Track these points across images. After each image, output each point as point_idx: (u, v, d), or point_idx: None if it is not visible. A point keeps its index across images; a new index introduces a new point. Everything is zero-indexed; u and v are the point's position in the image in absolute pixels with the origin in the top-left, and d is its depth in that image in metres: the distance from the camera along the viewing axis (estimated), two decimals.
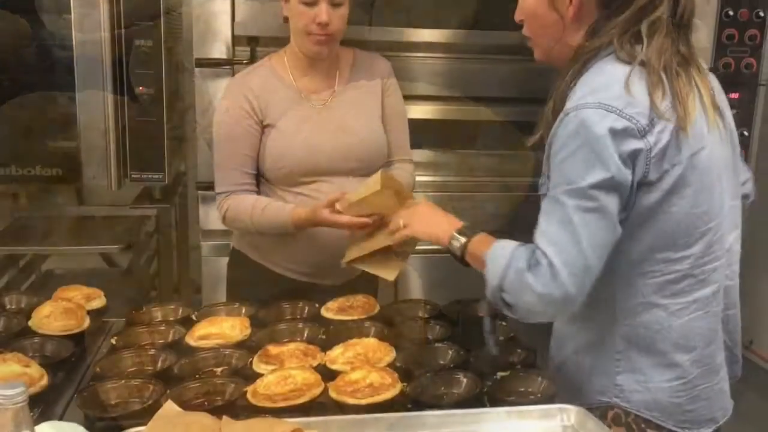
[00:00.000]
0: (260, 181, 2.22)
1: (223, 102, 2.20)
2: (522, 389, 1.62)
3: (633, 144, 1.40)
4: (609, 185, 1.40)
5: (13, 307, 2.00)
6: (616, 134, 1.39)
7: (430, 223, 1.71)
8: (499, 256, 1.47)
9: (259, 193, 2.20)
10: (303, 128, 2.14)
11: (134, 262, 3.54)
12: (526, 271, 1.41)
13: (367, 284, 2.22)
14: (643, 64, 1.45)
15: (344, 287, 2.18)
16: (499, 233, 1.56)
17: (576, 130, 1.41)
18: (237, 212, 2.14)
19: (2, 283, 3.47)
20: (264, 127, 2.16)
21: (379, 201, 1.88)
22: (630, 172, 1.41)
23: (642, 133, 1.41)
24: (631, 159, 1.41)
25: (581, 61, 1.51)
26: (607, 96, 1.41)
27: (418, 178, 3.14)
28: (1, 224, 3.64)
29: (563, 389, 1.60)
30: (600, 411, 1.55)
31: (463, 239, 1.59)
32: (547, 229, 1.43)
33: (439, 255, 3.34)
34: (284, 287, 2.19)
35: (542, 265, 1.40)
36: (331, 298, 2.04)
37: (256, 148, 2.16)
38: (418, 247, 3.33)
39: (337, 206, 1.95)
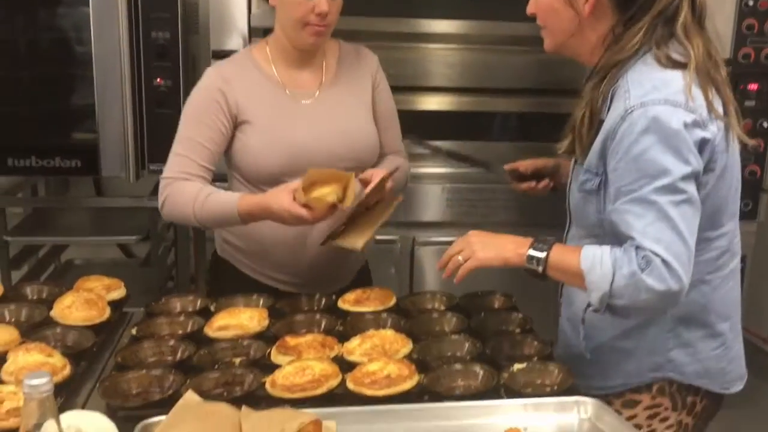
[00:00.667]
0: (234, 182, 2.08)
1: (197, 88, 2.02)
2: (538, 381, 1.62)
3: (701, 134, 1.50)
4: (692, 176, 1.49)
5: (35, 297, 2.03)
6: (687, 127, 1.48)
7: (493, 246, 1.64)
8: (599, 264, 1.51)
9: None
10: (288, 126, 1.99)
11: (152, 253, 3.57)
12: (640, 273, 1.46)
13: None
14: (685, 65, 1.53)
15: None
16: (518, 225, 1.58)
17: (647, 126, 1.47)
18: (177, 200, 1.94)
19: (22, 273, 3.53)
20: (239, 124, 1.99)
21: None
22: (701, 162, 1.51)
23: (705, 125, 1.51)
24: (699, 149, 1.50)
25: (616, 63, 1.57)
26: (670, 92, 1.49)
27: (435, 170, 3.16)
28: (20, 215, 3.70)
29: (594, 374, 1.72)
30: (644, 385, 1.70)
31: (543, 254, 1.58)
32: (646, 229, 1.47)
33: None
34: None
35: (655, 265, 1.45)
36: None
37: (218, 144, 1.98)
38: (433, 239, 3.40)
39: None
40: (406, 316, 1.92)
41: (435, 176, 3.24)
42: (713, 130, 1.52)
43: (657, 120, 1.47)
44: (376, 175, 1.93)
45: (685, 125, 1.47)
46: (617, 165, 1.52)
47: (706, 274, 1.63)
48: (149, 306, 1.97)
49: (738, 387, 1.74)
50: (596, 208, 1.63)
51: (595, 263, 1.51)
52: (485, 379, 1.60)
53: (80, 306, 1.84)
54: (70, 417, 1.23)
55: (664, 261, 1.44)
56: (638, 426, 1.69)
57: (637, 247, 1.47)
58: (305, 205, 1.78)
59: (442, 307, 2.00)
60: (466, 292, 2.05)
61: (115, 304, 1.96)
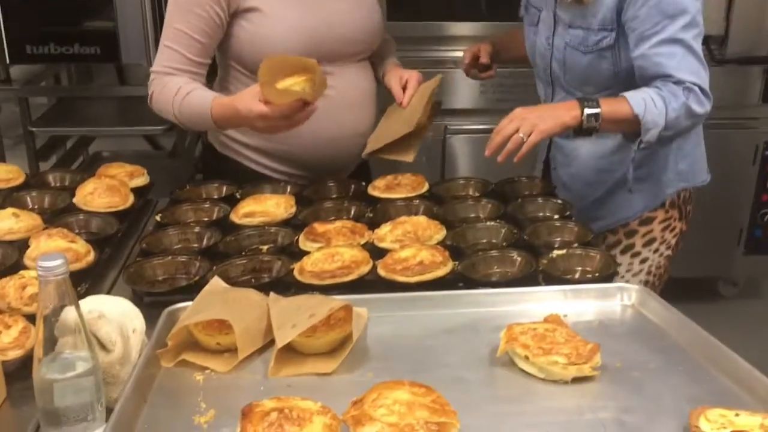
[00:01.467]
0: (235, 75, 1.91)
1: None
2: (579, 268, 1.55)
3: None
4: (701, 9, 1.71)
5: (58, 184, 1.98)
6: None
7: (549, 116, 1.70)
8: (652, 105, 1.67)
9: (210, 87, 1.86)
10: (299, 12, 1.83)
11: (178, 144, 3.52)
12: (687, 102, 1.68)
13: (363, 178, 2.04)
14: None
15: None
16: None
17: None
18: (160, 98, 1.81)
19: (50, 165, 3.51)
20: (241, 11, 1.81)
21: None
22: None
23: None
24: None
25: None
26: None
27: None
28: (45, 106, 3.64)
29: (613, 212, 1.95)
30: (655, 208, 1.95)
31: (598, 110, 1.69)
32: (680, 64, 1.68)
33: (485, 135, 3.29)
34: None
35: (695, 92, 1.68)
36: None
37: (210, 37, 1.81)
38: (466, 126, 3.27)
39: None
40: (439, 202, 1.84)
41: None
42: None
43: None
44: (411, 79, 1.94)
45: None
46: (638, 12, 1.69)
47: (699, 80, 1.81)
48: (174, 193, 1.91)
49: (708, 178, 2.03)
50: (611, 62, 1.79)
51: (648, 105, 1.67)
52: (523, 265, 1.53)
53: (102, 192, 1.78)
54: (92, 302, 1.19)
55: (701, 88, 1.68)
56: (653, 239, 1.97)
57: (677, 81, 1.68)
58: (267, 102, 1.61)
59: (477, 194, 1.92)
60: (501, 178, 1.97)
61: (138, 192, 1.90)
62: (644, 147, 1.76)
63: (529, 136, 1.66)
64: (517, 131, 1.66)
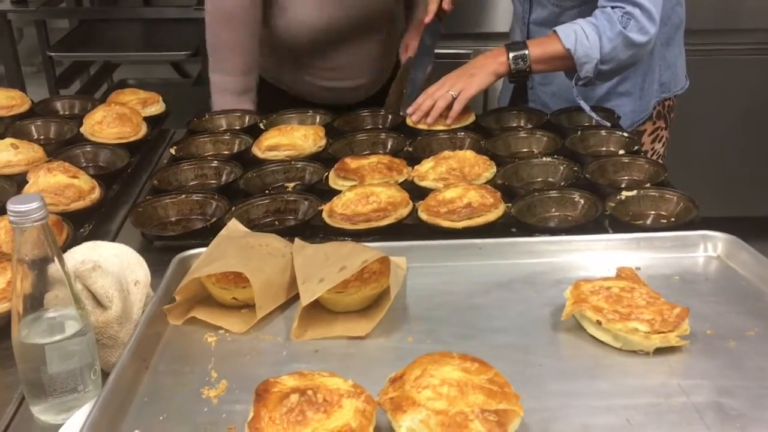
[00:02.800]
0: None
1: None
2: (652, 212, 1.33)
3: None
4: None
5: (66, 112, 1.81)
6: None
7: (476, 70, 1.64)
8: (583, 37, 1.56)
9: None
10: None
11: (203, 71, 3.32)
12: (625, 31, 1.54)
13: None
14: None
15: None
16: None
17: None
18: None
19: (72, 92, 3.34)
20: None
21: None
22: None
23: None
24: None
25: None
26: None
27: None
28: (66, 29, 3.46)
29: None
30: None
31: (524, 50, 1.60)
32: None
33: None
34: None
35: (635, 17, 1.53)
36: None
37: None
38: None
39: None
40: (487, 135, 1.63)
41: None
42: None
43: None
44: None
45: None
46: None
47: None
48: (191, 122, 1.73)
49: (687, 85, 1.94)
50: (570, 16, 1.66)
51: (580, 38, 1.56)
52: (586, 208, 1.32)
53: (112, 121, 1.61)
54: (86, 249, 1.02)
55: (643, 9, 1.53)
56: (645, 152, 1.82)
57: (615, 7, 1.54)
58: None
59: (530, 125, 1.70)
60: (558, 109, 1.75)
61: (153, 121, 1.72)
62: (584, 83, 1.62)
63: (460, 93, 1.62)
64: (448, 90, 1.62)
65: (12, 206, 0.81)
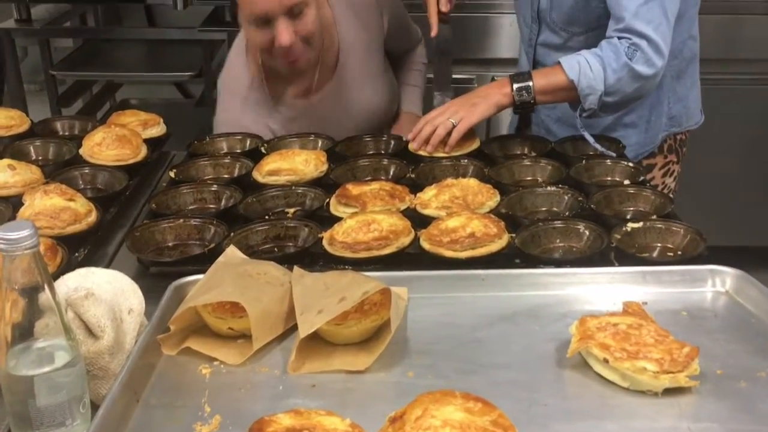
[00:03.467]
0: None
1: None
2: (658, 244, 1.31)
3: None
4: None
5: (66, 132, 1.79)
6: None
7: (479, 99, 1.62)
8: (587, 68, 1.53)
9: None
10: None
11: (206, 92, 3.32)
12: (630, 63, 1.51)
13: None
14: None
15: None
16: None
17: None
18: None
19: (74, 111, 3.33)
20: None
21: None
22: None
23: None
24: None
25: None
26: None
27: None
28: (70, 48, 3.46)
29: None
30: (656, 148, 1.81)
31: (529, 83, 1.58)
32: (638, 9, 1.50)
33: None
34: None
35: (642, 48, 1.51)
36: None
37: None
38: None
39: None
40: (492, 162, 1.61)
41: None
42: None
43: None
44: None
45: None
46: None
47: (691, 29, 1.73)
48: (191, 145, 1.71)
49: (701, 120, 1.89)
50: (598, 2, 1.61)
51: (583, 69, 1.54)
52: (591, 240, 1.30)
53: (112, 143, 1.59)
54: (79, 276, 1.00)
55: (650, 41, 1.51)
56: (655, 186, 1.79)
57: (621, 37, 1.52)
58: None
59: (534, 153, 1.68)
60: (563, 137, 1.73)
61: (153, 143, 1.70)
62: (588, 115, 1.60)
63: (460, 122, 1.59)
64: (448, 118, 1.61)
65: (2, 234, 0.79)
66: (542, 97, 1.60)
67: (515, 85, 1.59)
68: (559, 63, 1.57)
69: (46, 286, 0.83)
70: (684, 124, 1.83)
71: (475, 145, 1.67)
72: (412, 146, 1.65)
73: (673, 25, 1.56)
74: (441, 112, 1.64)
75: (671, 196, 1.79)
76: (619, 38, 1.52)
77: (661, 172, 1.85)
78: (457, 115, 1.61)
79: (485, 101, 1.61)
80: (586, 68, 1.54)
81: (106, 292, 0.98)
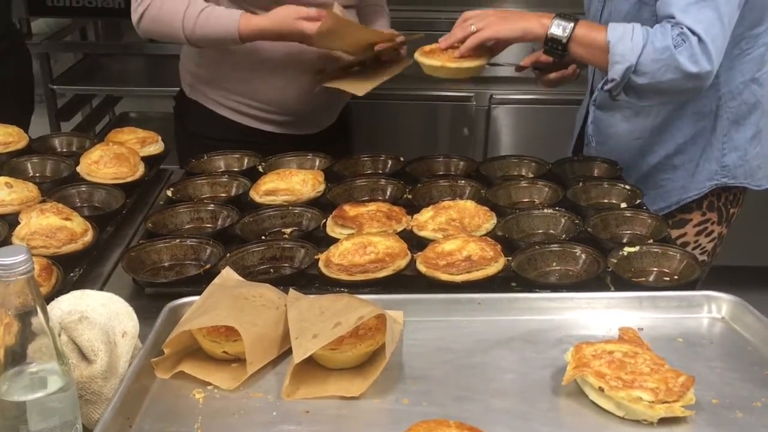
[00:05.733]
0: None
1: None
2: (654, 269, 1.31)
3: None
4: None
5: (64, 149, 1.79)
6: None
7: (513, 18, 1.54)
8: (629, 36, 1.44)
9: None
10: None
11: None
12: (674, 49, 1.41)
13: (343, 132, 2.01)
14: None
15: (317, 137, 1.90)
16: None
17: None
18: (164, 12, 1.68)
19: (74, 125, 3.33)
20: None
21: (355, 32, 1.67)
22: None
23: None
24: None
25: None
26: None
27: None
28: (70, 61, 3.46)
29: (647, 196, 1.63)
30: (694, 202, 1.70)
31: (572, 24, 1.49)
32: (689, 8, 1.41)
33: (535, 106, 3.02)
34: (246, 139, 1.83)
35: (691, 43, 1.40)
36: (303, 147, 1.76)
37: None
38: (514, 96, 3.01)
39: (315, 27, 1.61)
40: (489, 183, 1.61)
41: None
42: None
43: None
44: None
45: None
46: None
47: (756, 72, 1.62)
48: (189, 163, 1.71)
49: (767, 184, 1.73)
50: (651, 12, 1.54)
51: (625, 35, 1.45)
52: (587, 263, 1.30)
53: (109, 161, 1.58)
54: (73, 299, 0.99)
55: (700, 40, 1.41)
56: (685, 244, 1.71)
57: (675, 24, 1.42)
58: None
59: (531, 174, 1.68)
60: (548, 153, 1.74)
61: (150, 161, 1.70)
62: (610, 90, 1.49)
63: (479, 31, 1.53)
64: (469, 25, 1.54)
65: None
66: (576, 47, 1.49)
67: (557, 20, 1.49)
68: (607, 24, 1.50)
69: (39, 310, 0.82)
70: (740, 178, 1.67)
71: (480, 62, 1.60)
72: (441, 45, 1.59)
73: (734, 55, 1.52)
74: (476, 15, 1.56)
75: (704, 258, 1.72)
76: (672, 25, 1.42)
77: (696, 230, 1.72)
78: (483, 22, 1.53)
79: (516, 22, 1.53)
80: (628, 36, 1.44)
81: (100, 316, 0.97)
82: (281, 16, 1.63)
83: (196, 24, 1.66)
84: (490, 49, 1.61)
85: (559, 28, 1.48)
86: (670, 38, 1.41)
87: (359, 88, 1.69)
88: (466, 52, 1.55)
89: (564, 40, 1.48)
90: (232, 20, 1.65)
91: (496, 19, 1.53)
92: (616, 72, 1.45)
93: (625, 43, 1.44)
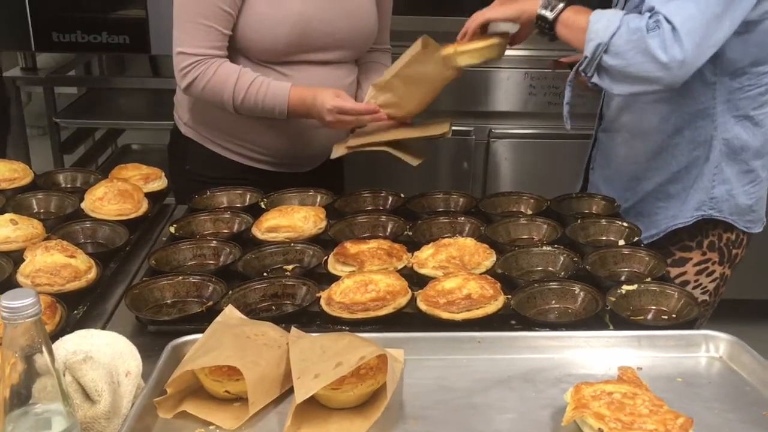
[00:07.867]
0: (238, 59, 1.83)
1: None
2: (652, 307, 1.32)
3: None
4: None
5: (68, 185, 1.81)
6: None
7: (512, 3, 1.61)
8: (607, 17, 1.48)
9: None
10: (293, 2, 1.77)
11: None
12: (645, 32, 1.43)
13: (336, 170, 2.04)
14: None
15: (312, 174, 1.94)
16: None
17: None
18: (213, 82, 1.73)
19: (76, 158, 3.36)
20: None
21: (423, 68, 1.69)
22: None
23: None
24: None
25: None
26: None
27: (517, 52, 2.77)
28: (74, 96, 3.50)
29: (641, 223, 1.65)
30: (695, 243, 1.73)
31: (560, 5, 1.54)
32: (669, 1, 1.42)
33: (534, 141, 3.06)
34: (240, 177, 1.87)
35: (663, 29, 1.41)
36: (296, 185, 1.78)
37: (236, 7, 1.74)
38: (513, 130, 3.03)
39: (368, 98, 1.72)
40: (488, 220, 1.63)
41: (517, 60, 2.87)
42: None
43: None
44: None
45: None
46: None
47: (751, 110, 1.63)
48: (192, 200, 1.73)
49: (759, 228, 1.76)
50: None
51: (602, 16, 1.49)
52: (586, 302, 1.31)
53: (113, 198, 1.60)
54: (78, 339, 1.00)
55: (674, 29, 1.41)
56: (685, 282, 1.73)
57: (654, 13, 1.44)
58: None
59: (530, 211, 1.70)
60: (549, 188, 1.77)
61: (154, 197, 1.72)
62: (584, 69, 1.52)
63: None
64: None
65: (5, 302, 0.80)
66: (561, 28, 1.55)
67: (549, 1, 1.56)
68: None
69: (45, 350, 0.84)
70: (725, 212, 1.69)
71: (488, 42, 1.64)
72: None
73: (734, 88, 1.58)
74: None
75: (706, 298, 1.74)
76: (651, 14, 1.45)
77: (696, 269, 1.73)
78: (485, 9, 1.63)
79: (514, 4, 1.60)
80: (605, 16, 1.49)
81: (104, 355, 0.99)
82: (320, 100, 1.70)
83: (248, 94, 1.73)
84: (505, 35, 1.67)
85: (548, 9, 1.55)
86: (644, 22, 1.43)
87: (411, 158, 1.72)
88: (471, 35, 1.64)
89: (551, 18, 1.55)
90: (284, 91, 1.73)
91: (498, 3, 1.63)
92: (588, 49, 1.49)
93: (602, 22, 1.48)
